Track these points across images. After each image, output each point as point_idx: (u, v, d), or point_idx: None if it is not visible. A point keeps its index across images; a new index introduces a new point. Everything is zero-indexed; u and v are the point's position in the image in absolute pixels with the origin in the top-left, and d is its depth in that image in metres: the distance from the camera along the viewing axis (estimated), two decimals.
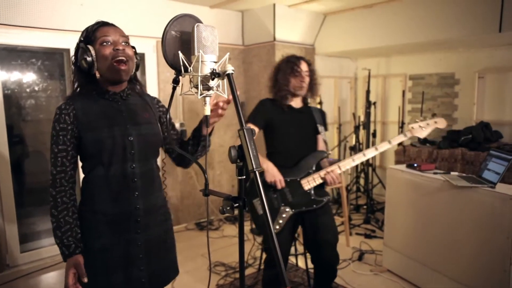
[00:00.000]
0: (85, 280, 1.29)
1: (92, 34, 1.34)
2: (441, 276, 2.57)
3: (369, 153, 2.29)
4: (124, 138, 1.36)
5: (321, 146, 2.38)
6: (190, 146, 1.52)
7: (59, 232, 1.32)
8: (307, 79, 2.27)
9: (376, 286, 2.85)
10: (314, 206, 2.17)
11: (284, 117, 2.26)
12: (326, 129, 2.41)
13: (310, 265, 2.44)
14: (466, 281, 2.40)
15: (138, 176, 1.40)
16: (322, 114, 2.43)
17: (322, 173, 2.19)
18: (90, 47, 1.32)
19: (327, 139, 2.38)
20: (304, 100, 2.38)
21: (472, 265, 2.37)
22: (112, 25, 1.39)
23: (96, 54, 1.32)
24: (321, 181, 2.19)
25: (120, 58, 1.32)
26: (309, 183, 2.18)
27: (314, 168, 2.22)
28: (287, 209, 2.16)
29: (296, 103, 2.34)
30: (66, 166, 1.34)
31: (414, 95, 4.77)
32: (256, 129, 2.24)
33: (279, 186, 2.12)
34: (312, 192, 2.18)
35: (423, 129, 2.29)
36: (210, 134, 1.44)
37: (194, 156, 1.49)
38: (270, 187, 2.16)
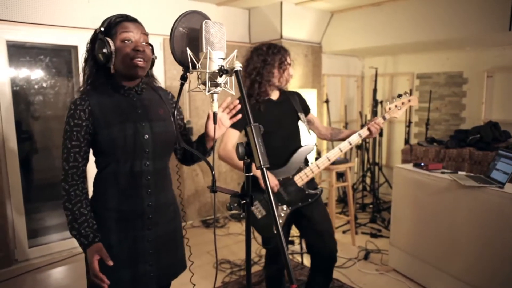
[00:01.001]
0: (110, 263, 1.29)
1: (114, 27, 1.32)
2: (448, 276, 2.56)
3: (360, 137, 2.24)
4: (139, 136, 1.36)
5: (320, 129, 2.35)
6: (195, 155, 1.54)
7: (75, 224, 1.31)
8: (292, 70, 2.21)
9: (381, 286, 2.85)
10: (310, 200, 2.17)
11: (266, 113, 2.16)
12: (309, 109, 2.34)
13: None
14: (473, 281, 2.38)
15: (151, 173, 1.40)
16: (300, 97, 2.33)
17: (313, 167, 2.18)
18: (110, 41, 1.30)
19: (308, 128, 2.29)
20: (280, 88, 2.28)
21: (479, 265, 2.35)
22: (135, 20, 1.36)
23: (115, 50, 1.30)
24: (313, 175, 2.19)
25: (139, 60, 1.31)
26: (302, 179, 2.16)
27: (304, 163, 2.21)
28: (285, 208, 2.16)
29: (274, 95, 2.23)
30: (78, 162, 1.34)
31: (421, 94, 4.74)
32: (236, 133, 2.15)
33: (275, 190, 2.11)
34: (306, 187, 2.18)
35: (399, 109, 2.27)
36: (212, 147, 1.46)
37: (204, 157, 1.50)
38: (261, 189, 2.14)
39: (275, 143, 2.16)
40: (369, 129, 2.17)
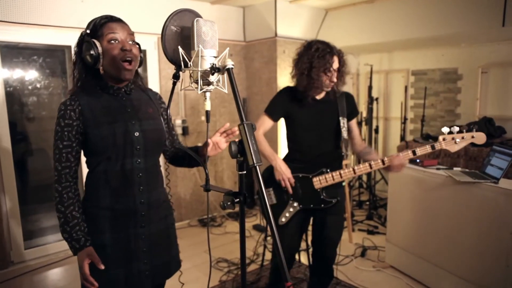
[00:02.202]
0: (102, 267, 1.32)
1: (99, 29, 1.32)
2: (444, 271, 2.57)
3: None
4: (130, 134, 1.37)
5: (358, 140, 2.24)
6: (187, 160, 1.58)
7: (67, 227, 1.32)
8: (336, 75, 2.09)
9: (378, 282, 2.85)
10: (322, 205, 2.12)
11: (305, 109, 2.12)
12: (356, 113, 2.25)
13: None
14: (469, 277, 2.39)
15: (143, 171, 1.41)
16: (348, 99, 2.22)
17: (335, 174, 2.09)
18: (97, 42, 1.30)
19: (346, 134, 2.18)
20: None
21: (475, 261, 2.36)
22: (120, 20, 1.37)
23: (102, 51, 1.31)
24: (333, 182, 2.10)
25: (128, 59, 1.32)
26: (320, 182, 2.10)
27: (328, 168, 2.12)
28: (295, 204, 2.13)
29: (318, 93, 2.15)
30: (70, 162, 1.35)
31: (416, 90, 4.75)
32: (270, 121, 2.16)
33: (287, 185, 2.07)
34: (323, 191, 2.12)
35: (456, 143, 1.97)
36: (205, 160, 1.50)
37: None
38: (276, 181, 2.14)
39: (306, 141, 2.15)
40: (389, 165, 2.02)
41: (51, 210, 3.56)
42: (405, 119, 4.48)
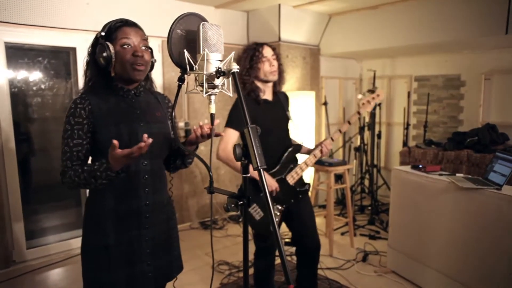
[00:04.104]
0: (116, 142, 1.19)
1: (114, 32, 1.34)
2: (446, 278, 2.56)
3: (343, 128, 2.42)
4: (137, 136, 1.38)
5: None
6: (178, 160, 1.58)
7: (87, 176, 1.27)
8: (275, 63, 2.18)
9: (380, 287, 2.85)
10: (300, 196, 2.26)
11: (261, 113, 2.17)
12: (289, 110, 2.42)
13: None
14: (471, 284, 2.38)
15: (148, 173, 1.42)
16: (286, 97, 2.39)
17: (302, 165, 2.26)
18: (110, 46, 1.32)
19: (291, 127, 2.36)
20: (274, 89, 2.29)
21: (477, 268, 2.35)
22: (134, 25, 1.39)
23: (115, 54, 1.33)
24: (302, 173, 2.27)
25: (139, 64, 1.34)
26: (293, 177, 2.23)
27: (294, 162, 2.28)
28: (279, 207, 2.22)
29: (268, 95, 2.24)
30: (81, 160, 1.35)
31: (419, 96, 4.75)
32: (237, 133, 2.14)
33: (274, 194, 2.15)
34: (296, 184, 2.26)
35: (370, 104, 2.48)
36: (196, 149, 1.54)
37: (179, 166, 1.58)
38: (258, 191, 2.16)
39: (270, 143, 2.17)
40: (321, 151, 2.29)
41: (53, 210, 3.58)
42: (408, 124, 4.48)
